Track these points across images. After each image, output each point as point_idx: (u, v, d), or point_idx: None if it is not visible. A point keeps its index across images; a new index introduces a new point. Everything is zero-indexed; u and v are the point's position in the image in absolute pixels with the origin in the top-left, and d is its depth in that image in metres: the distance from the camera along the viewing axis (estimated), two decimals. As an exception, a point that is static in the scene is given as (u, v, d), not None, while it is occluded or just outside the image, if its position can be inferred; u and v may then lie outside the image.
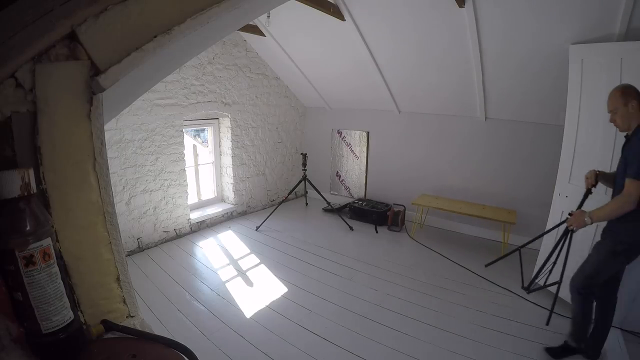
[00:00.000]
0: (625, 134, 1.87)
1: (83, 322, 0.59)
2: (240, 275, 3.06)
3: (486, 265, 2.79)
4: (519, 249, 2.54)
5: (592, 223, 1.92)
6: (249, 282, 2.94)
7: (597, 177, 2.06)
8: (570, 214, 2.01)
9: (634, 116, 1.80)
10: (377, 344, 2.19)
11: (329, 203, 4.40)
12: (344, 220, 4.17)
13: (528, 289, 2.35)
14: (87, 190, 0.60)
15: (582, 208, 2.05)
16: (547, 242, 2.65)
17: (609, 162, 2.22)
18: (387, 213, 4.19)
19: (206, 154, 4.58)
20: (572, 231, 2.04)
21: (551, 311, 2.32)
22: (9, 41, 0.49)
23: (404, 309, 2.54)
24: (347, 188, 5.04)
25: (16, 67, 0.49)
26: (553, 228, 2.39)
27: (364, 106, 4.57)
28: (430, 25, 2.96)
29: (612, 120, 1.90)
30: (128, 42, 0.57)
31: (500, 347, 2.14)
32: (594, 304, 2.01)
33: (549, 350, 2.12)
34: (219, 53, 3.91)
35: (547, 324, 2.40)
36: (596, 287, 1.98)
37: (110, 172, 0.65)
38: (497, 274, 3.03)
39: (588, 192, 2.09)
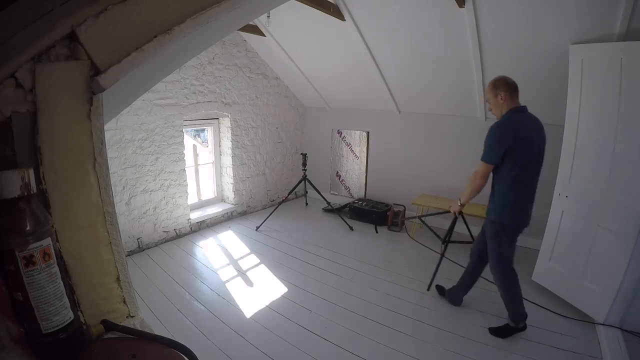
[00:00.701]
0: None
1: (83, 322, 0.59)
2: (240, 275, 3.05)
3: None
4: (420, 217, 3.51)
5: (461, 204, 2.31)
6: (249, 282, 2.94)
7: None
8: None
9: (504, 105, 2.06)
10: (377, 343, 2.18)
11: (329, 203, 4.40)
12: (344, 220, 4.16)
13: (444, 241, 2.80)
14: (87, 190, 0.60)
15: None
16: (549, 235, 2.66)
17: (609, 162, 2.22)
18: (387, 213, 4.19)
19: (206, 154, 4.57)
20: (456, 215, 2.47)
21: (433, 277, 2.76)
22: (9, 41, 0.49)
23: (404, 309, 2.54)
24: (347, 188, 5.04)
25: (16, 67, 0.49)
26: (437, 213, 3.25)
27: (364, 106, 4.57)
28: (430, 25, 2.96)
29: (489, 110, 2.18)
30: (128, 42, 0.57)
31: (500, 347, 2.14)
32: (516, 279, 2.18)
33: (493, 331, 2.28)
34: (219, 53, 3.91)
35: (428, 289, 2.76)
36: (512, 265, 2.18)
37: (110, 172, 0.65)
38: (497, 274, 3.02)
39: None
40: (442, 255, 2.66)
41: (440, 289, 2.69)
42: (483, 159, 2.03)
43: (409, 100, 4.08)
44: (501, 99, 2.04)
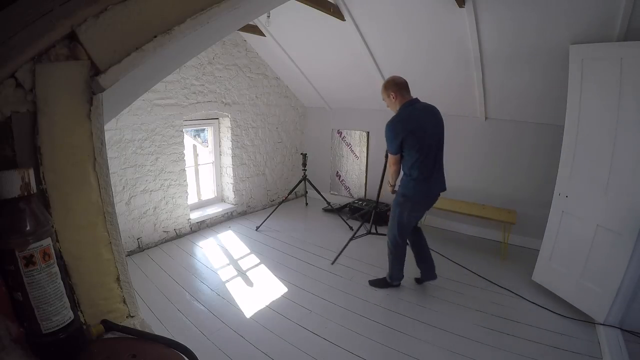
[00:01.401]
0: None
1: (83, 322, 0.59)
2: (240, 275, 3.05)
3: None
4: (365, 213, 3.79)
5: (391, 187, 2.68)
6: (249, 282, 2.94)
7: None
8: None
9: (396, 102, 2.41)
10: (376, 343, 2.19)
11: (329, 203, 4.40)
12: (344, 220, 4.16)
13: (369, 231, 3.48)
14: (87, 190, 0.60)
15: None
16: (549, 235, 2.67)
17: (609, 162, 2.22)
18: (387, 213, 4.18)
19: (206, 154, 4.57)
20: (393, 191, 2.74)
21: (338, 254, 3.30)
22: (9, 41, 0.49)
23: (404, 309, 2.54)
24: (347, 188, 5.04)
25: (16, 67, 0.49)
26: (362, 210, 3.95)
27: (364, 106, 4.57)
28: (430, 25, 2.96)
29: (387, 107, 2.52)
30: (128, 42, 0.57)
31: (500, 347, 2.14)
32: (405, 250, 2.67)
33: (371, 282, 2.87)
34: (219, 53, 3.91)
35: (332, 263, 3.20)
36: (406, 236, 2.63)
37: (110, 172, 0.65)
38: (497, 274, 3.03)
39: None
40: (353, 237, 3.22)
41: (418, 280, 2.89)
42: (388, 151, 2.46)
43: (409, 100, 4.08)
44: (393, 97, 2.39)
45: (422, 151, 2.33)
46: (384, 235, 3.42)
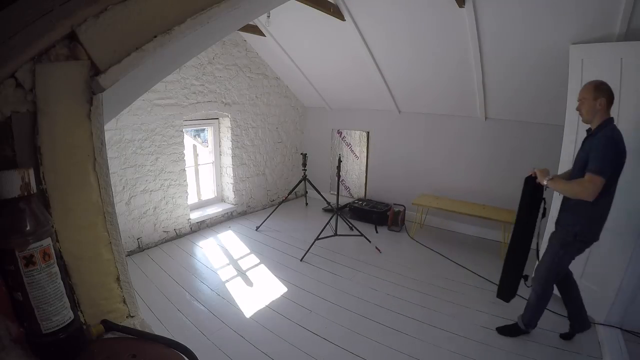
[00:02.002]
0: (588, 127, 1.93)
1: (83, 322, 0.59)
2: (240, 275, 3.05)
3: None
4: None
5: (546, 184, 1.95)
6: (249, 282, 2.94)
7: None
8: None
9: (600, 112, 1.85)
10: (377, 343, 2.19)
11: (329, 203, 4.40)
12: (344, 220, 4.16)
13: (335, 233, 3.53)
14: (87, 190, 0.60)
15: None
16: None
17: (609, 162, 2.21)
18: (387, 213, 4.19)
19: (206, 154, 4.58)
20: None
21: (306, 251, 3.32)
22: (9, 41, 0.48)
23: (404, 309, 2.54)
24: (347, 188, 5.03)
25: (16, 67, 0.49)
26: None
27: (364, 106, 4.57)
28: (430, 25, 2.96)
29: (578, 109, 1.94)
30: (128, 42, 0.57)
31: (500, 347, 2.14)
32: (552, 294, 2.13)
33: (500, 330, 2.31)
34: (219, 53, 3.91)
35: (301, 260, 3.23)
36: (558, 278, 2.10)
37: (110, 172, 0.65)
38: (497, 274, 3.02)
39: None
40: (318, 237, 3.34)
41: (567, 335, 2.28)
42: (598, 173, 1.73)
43: (408, 100, 4.08)
44: (600, 105, 1.86)
45: (615, 185, 1.85)
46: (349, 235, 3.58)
